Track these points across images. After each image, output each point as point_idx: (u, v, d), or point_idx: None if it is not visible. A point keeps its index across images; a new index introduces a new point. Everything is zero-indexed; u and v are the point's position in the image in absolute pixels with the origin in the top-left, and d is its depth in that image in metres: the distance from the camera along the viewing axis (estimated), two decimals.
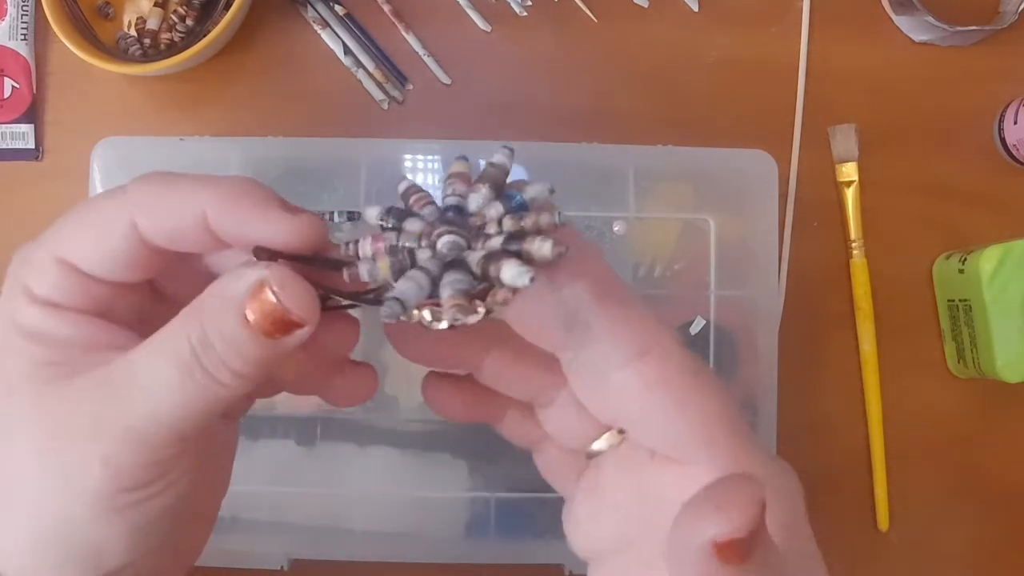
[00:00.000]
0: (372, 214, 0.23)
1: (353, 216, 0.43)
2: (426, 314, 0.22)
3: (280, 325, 0.22)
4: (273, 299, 0.21)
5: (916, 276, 0.50)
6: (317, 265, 0.23)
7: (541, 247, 0.21)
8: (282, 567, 0.42)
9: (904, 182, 0.50)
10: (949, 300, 0.48)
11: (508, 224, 0.22)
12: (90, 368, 0.22)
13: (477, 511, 0.44)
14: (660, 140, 0.45)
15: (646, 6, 0.51)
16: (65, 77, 0.50)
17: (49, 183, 0.49)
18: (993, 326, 0.45)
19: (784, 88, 0.51)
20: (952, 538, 0.49)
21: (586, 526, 0.26)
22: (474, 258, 0.22)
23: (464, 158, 0.24)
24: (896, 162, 0.50)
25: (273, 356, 0.22)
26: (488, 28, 0.50)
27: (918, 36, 0.51)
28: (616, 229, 0.44)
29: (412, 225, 0.23)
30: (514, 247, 0.22)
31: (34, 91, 0.49)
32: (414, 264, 0.22)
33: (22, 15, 0.49)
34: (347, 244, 0.23)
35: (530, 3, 0.51)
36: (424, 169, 0.44)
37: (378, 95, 0.50)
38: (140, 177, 0.23)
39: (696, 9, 0.51)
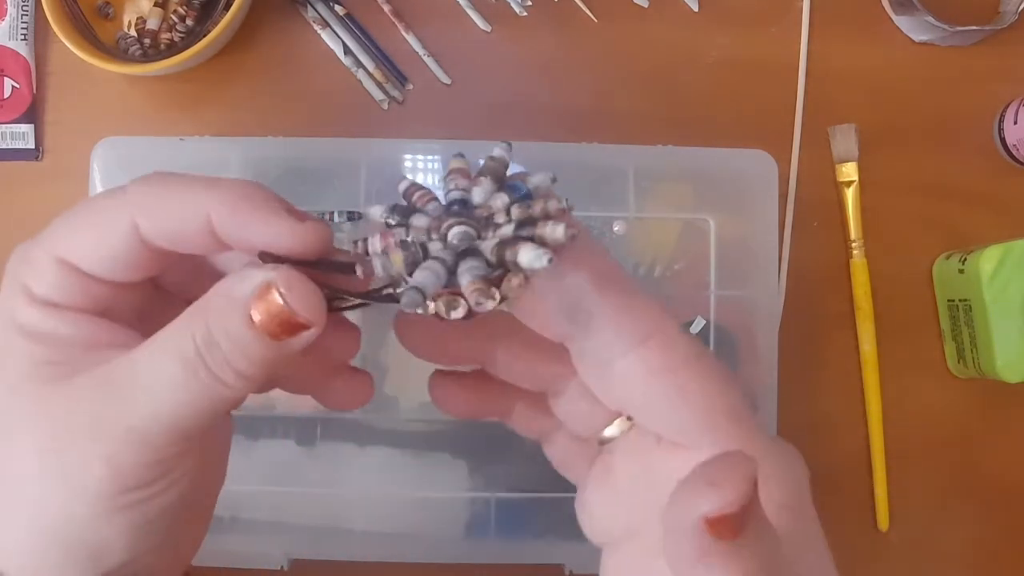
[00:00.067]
0: (376, 212, 0.23)
1: (353, 216, 0.43)
2: (441, 304, 0.22)
3: (286, 327, 0.22)
4: (280, 300, 0.21)
5: (916, 276, 0.50)
6: (322, 269, 0.23)
7: (555, 230, 0.21)
8: (282, 567, 0.42)
9: (904, 182, 0.50)
10: (949, 300, 0.48)
11: (516, 212, 0.22)
12: (91, 367, 0.22)
13: (477, 511, 0.43)
14: (660, 140, 0.45)
15: (646, 6, 0.51)
16: (65, 77, 0.50)
17: (49, 183, 0.49)
18: (993, 326, 0.45)
19: (784, 88, 0.51)
20: (952, 538, 0.49)
21: (598, 512, 0.26)
22: (487, 246, 0.22)
23: (461, 155, 0.24)
24: (896, 162, 0.50)
25: (278, 357, 0.22)
26: (488, 28, 0.50)
27: (918, 36, 0.51)
28: (616, 229, 0.44)
29: (419, 221, 0.23)
30: (526, 233, 0.22)
31: (34, 91, 0.49)
32: (427, 256, 0.22)
33: (22, 15, 0.49)
34: (356, 243, 0.23)
35: (530, 3, 0.51)
36: (424, 169, 0.44)
37: (378, 95, 0.50)
38: (142, 178, 0.23)
39: (696, 9, 0.51)
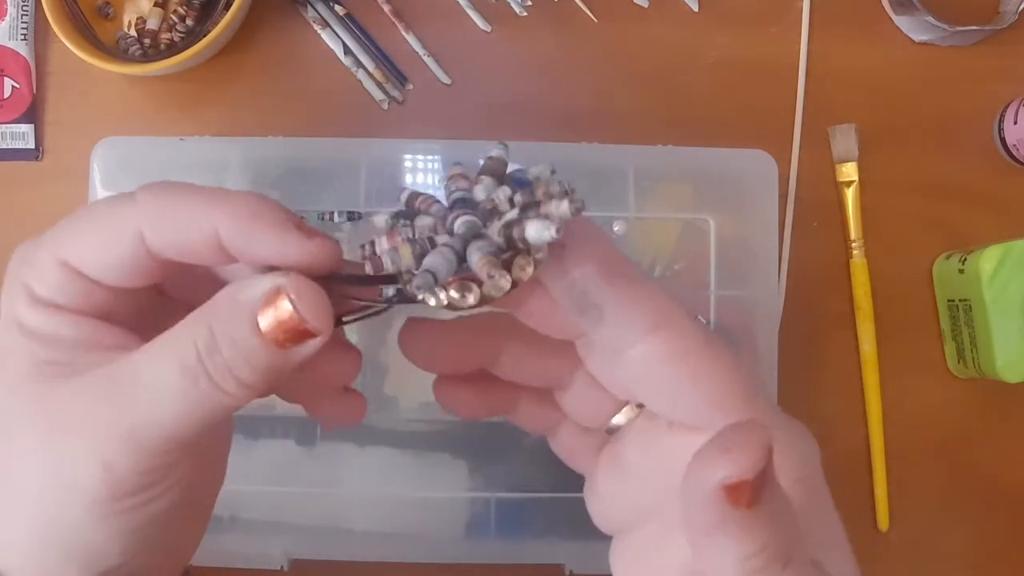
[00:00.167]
0: (380, 220, 0.23)
1: (353, 216, 0.43)
2: (453, 292, 0.21)
3: (293, 334, 0.21)
4: (290, 307, 0.21)
5: (916, 276, 0.50)
6: (332, 282, 0.23)
7: (559, 205, 0.21)
8: (282, 567, 0.42)
9: (904, 182, 0.50)
10: (949, 300, 0.48)
11: (520, 199, 0.22)
12: (92, 367, 0.22)
13: (477, 511, 0.43)
14: (660, 140, 0.45)
15: (646, 6, 0.51)
16: (65, 77, 0.50)
17: (49, 183, 0.49)
18: (993, 326, 0.45)
19: (784, 88, 0.51)
20: (952, 538, 0.49)
21: (608, 499, 0.27)
22: (494, 229, 0.22)
23: (459, 164, 0.24)
24: (896, 162, 0.50)
25: (282, 366, 0.22)
26: (488, 28, 0.50)
27: (918, 36, 0.51)
28: (616, 229, 0.44)
29: (424, 220, 0.23)
30: (532, 214, 0.22)
31: (34, 91, 0.49)
32: (435, 247, 0.22)
33: (22, 15, 0.49)
34: (363, 246, 0.23)
35: (530, 3, 0.51)
36: (424, 169, 0.44)
37: (378, 95, 0.50)
38: (149, 186, 0.23)
39: (696, 9, 0.51)
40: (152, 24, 0.49)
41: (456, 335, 0.27)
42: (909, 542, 0.49)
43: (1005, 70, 0.51)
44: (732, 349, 0.24)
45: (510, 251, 0.22)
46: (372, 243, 0.23)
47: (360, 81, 0.50)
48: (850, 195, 0.50)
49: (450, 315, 0.23)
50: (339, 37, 0.50)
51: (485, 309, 0.23)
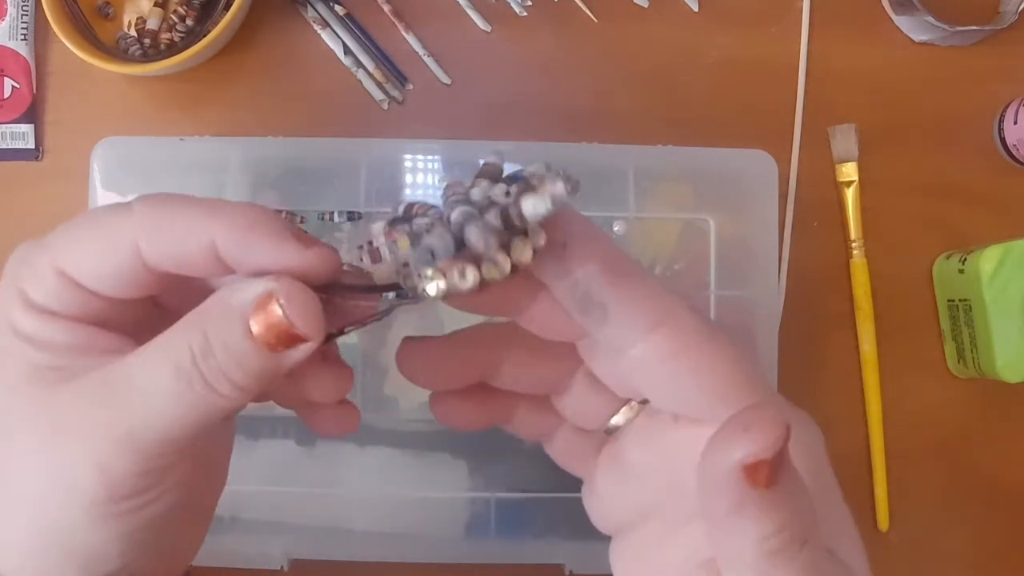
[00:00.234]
0: (377, 228, 0.23)
1: (353, 216, 0.43)
2: (455, 275, 0.21)
3: (284, 338, 0.21)
4: (279, 312, 0.21)
5: (916, 276, 0.50)
6: (332, 291, 0.23)
7: (555, 185, 0.21)
8: (282, 567, 0.42)
9: (904, 182, 0.50)
10: (949, 300, 0.48)
11: (515, 190, 0.22)
12: (87, 371, 0.22)
13: (477, 511, 0.43)
14: (660, 140, 0.45)
15: (646, 6, 0.51)
16: (65, 77, 0.50)
17: (49, 183, 0.49)
18: (993, 326, 0.45)
19: (784, 88, 0.51)
20: (952, 538, 0.49)
21: (608, 499, 0.26)
22: (491, 216, 0.21)
23: (458, 181, 0.24)
24: (896, 162, 0.50)
25: (275, 369, 0.22)
26: (488, 28, 0.50)
27: (918, 36, 0.51)
28: (616, 229, 0.44)
29: (421, 221, 0.23)
30: (528, 194, 0.21)
31: (34, 91, 0.49)
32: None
33: (22, 15, 0.49)
34: (360, 247, 0.23)
35: (530, 3, 0.51)
36: (424, 169, 0.44)
37: (378, 95, 0.50)
38: (146, 198, 0.23)
39: (696, 9, 0.51)
40: (152, 24, 0.49)
41: (455, 350, 0.27)
42: (909, 542, 0.49)
43: (1005, 70, 0.51)
44: (736, 342, 0.24)
45: (508, 234, 0.21)
46: (370, 242, 0.23)
47: (360, 81, 0.50)
48: (850, 195, 0.50)
49: (449, 328, 0.23)
50: (339, 37, 0.50)
51: (485, 319, 0.23)
